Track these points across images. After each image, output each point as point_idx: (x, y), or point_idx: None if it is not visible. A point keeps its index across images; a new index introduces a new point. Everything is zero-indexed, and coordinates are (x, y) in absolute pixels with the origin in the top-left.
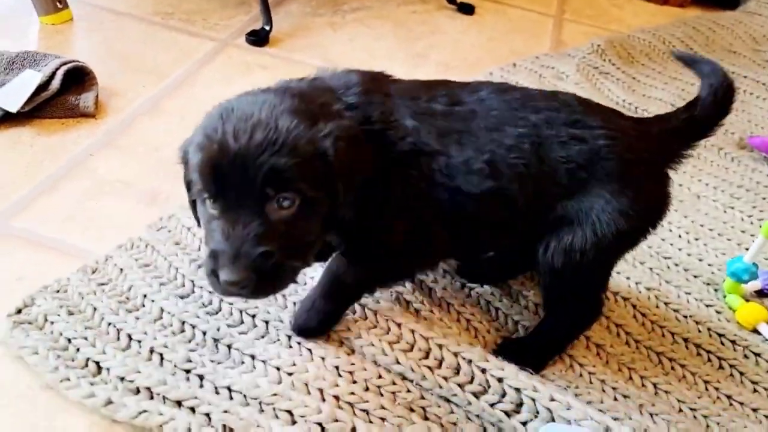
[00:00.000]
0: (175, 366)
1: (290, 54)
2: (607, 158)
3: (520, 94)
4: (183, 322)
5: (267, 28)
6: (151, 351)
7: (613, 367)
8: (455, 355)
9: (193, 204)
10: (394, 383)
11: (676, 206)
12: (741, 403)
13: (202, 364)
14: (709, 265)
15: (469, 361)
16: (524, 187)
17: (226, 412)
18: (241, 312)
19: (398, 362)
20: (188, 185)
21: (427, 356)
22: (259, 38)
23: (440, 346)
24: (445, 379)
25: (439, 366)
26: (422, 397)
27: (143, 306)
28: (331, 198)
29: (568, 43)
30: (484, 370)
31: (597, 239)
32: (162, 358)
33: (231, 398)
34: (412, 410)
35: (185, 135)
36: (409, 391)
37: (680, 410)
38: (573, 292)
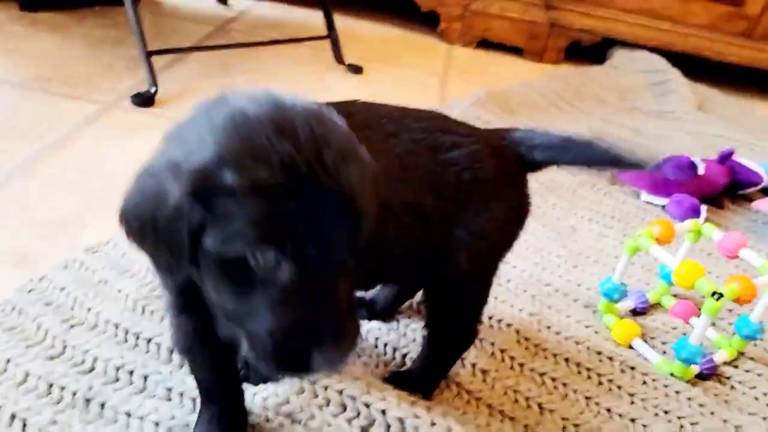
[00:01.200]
0: (39, 430)
1: (177, 114)
2: (481, 162)
3: (394, 106)
4: (50, 384)
5: (152, 90)
6: (12, 417)
7: (499, 391)
8: (339, 393)
9: (193, 266)
10: (281, 425)
11: (554, 237)
12: (620, 415)
13: (69, 426)
14: (587, 289)
15: (353, 398)
16: (430, 193)
17: None
18: (117, 369)
19: (288, 402)
20: (184, 238)
21: (316, 396)
22: (143, 99)
23: (325, 388)
24: (334, 416)
25: (327, 405)
26: None
27: (5, 371)
28: None
29: (453, 98)
30: (368, 405)
31: (488, 250)
32: (24, 424)
33: None
34: None
35: (63, 193)
36: None
37: (564, 428)
38: (458, 314)
